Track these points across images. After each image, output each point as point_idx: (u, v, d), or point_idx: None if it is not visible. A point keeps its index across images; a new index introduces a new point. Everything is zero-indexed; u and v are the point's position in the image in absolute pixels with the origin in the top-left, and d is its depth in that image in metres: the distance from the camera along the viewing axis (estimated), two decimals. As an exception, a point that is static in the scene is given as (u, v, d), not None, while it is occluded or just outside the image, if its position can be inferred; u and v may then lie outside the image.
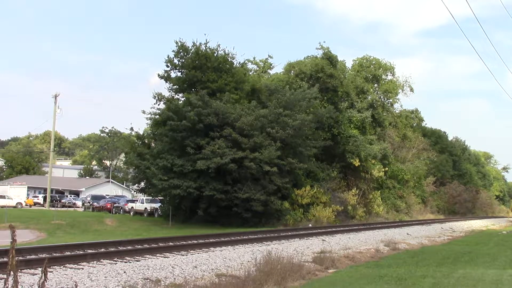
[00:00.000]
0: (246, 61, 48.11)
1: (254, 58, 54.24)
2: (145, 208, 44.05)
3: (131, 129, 41.77)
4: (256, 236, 22.45)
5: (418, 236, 28.04)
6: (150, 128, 41.81)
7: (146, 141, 41.04)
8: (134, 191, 55.45)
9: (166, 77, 39.51)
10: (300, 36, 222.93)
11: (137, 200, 47.91)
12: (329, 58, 47.55)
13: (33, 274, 11.09)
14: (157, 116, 37.69)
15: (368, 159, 45.89)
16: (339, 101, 46.19)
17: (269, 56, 54.77)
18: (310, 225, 34.78)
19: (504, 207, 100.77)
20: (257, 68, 53.30)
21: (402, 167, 60.49)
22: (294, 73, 45.85)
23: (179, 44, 38.48)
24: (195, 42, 38.75)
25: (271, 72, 52.70)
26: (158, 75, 39.58)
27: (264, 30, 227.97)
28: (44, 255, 13.91)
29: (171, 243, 18.66)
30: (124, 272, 11.63)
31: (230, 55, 40.30)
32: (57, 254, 14.76)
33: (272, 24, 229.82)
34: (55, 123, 55.19)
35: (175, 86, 39.37)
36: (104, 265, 13.05)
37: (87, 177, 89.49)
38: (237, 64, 41.96)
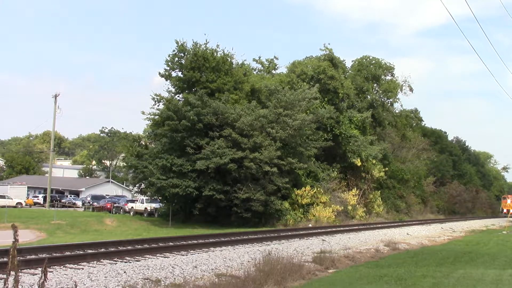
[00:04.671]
0: (245, 60, 48.25)
1: (259, 57, 54.20)
2: (145, 208, 44.02)
3: (125, 133, 41.95)
4: (256, 236, 22.47)
5: (418, 236, 28.05)
6: (149, 128, 41.85)
7: (143, 142, 41.09)
8: (135, 193, 55.45)
9: (167, 76, 39.61)
10: (300, 36, 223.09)
11: (137, 200, 47.86)
12: (331, 60, 47.59)
13: (33, 274, 11.10)
14: (157, 117, 37.72)
15: (369, 159, 45.93)
16: (340, 102, 46.23)
17: (275, 57, 54.76)
18: (310, 225, 34.79)
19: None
20: (262, 68, 53.25)
21: (402, 167, 60.50)
22: (296, 73, 45.87)
23: (180, 44, 38.53)
24: (195, 42, 38.87)
25: (276, 72, 52.59)
26: (159, 73, 39.76)
27: (264, 30, 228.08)
28: (44, 255, 13.92)
29: (171, 243, 18.67)
30: (124, 272, 11.63)
31: (229, 55, 40.35)
32: (57, 254, 14.76)
33: (272, 24, 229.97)
34: (55, 123, 55.15)
35: (175, 87, 39.46)
36: (104, 265, 13.06)
37: (87, 177, 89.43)
38: (237, 64, 41.97)
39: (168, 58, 38.93)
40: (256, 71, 51.57)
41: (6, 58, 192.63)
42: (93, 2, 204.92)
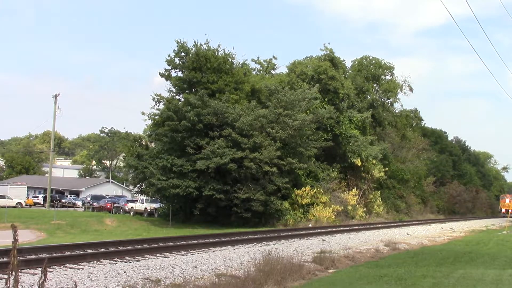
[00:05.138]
0: (249, 61, 48.29)
1: (258, 58, 54.17)
2: (145, 208, 44.01)
3: (127, 133, 41.99)
4: (256, 236, 22.47)
5: (418, 236, 28.05)
6: (149, 128, 41.82)
7: (144, 143, 41.08)
8: (135, 193, 55.53)
9: (167, 76, 39.55)
10: (300, 36, 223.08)
11: (137, 200, 47.85)
12: (331, 60, 47.56)
13: (33, 274, 11.11)
14: (157, 117, 37.68)
15: (369, 159, 45.94)
16: (340, 102, 46.23)
17: (274, 57, 54.72)
18: (310, 225, 34.79)
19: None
20: (261, 68, 53.21)
21: (402, 167, 60.48)
22: (296, 73, 45.85)
23: (180, 44, 38.46)
24: (196, 42, 38.79)
25: (275, 72, 52.56)
26: (160, 73, 39.66)
27: (264, 30, 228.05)
28: (44, 255, 13.92)
29: (171, 243, 18.67)
30: (124, 272, 11.63)
31: (230, 55, 40.29)
32: (57, 254, 14.76)
33: (272, 24, 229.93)
34: (55, 123, 55.14)
35: (175, 87, 39.40)
36: (104, 265, 13.06)
37: (87, 177, 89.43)
38: (237, 65, 41.93)
39: (169, 58, 38.88)
40: (255, 71, 51.57)
41: (6, 58, 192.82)
42: (93, 2, 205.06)
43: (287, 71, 49.15)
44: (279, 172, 34.71)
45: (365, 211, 45.64)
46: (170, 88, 39.95)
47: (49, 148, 62.86)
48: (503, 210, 68.89)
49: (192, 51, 38.34)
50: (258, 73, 51.31)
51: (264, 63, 53.49)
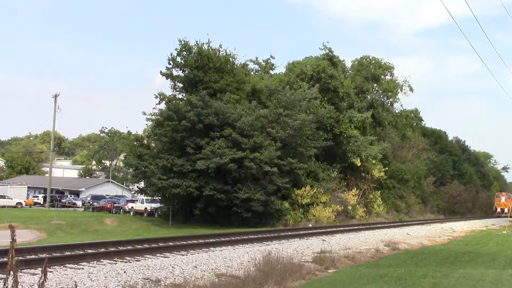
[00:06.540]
0: (247, 61, 48.27)
1: (256, 58, 54.22)
2: (145, 208, 44.01)
3: (129, 132, 42.00)
4: (256, 236, 22.46)
5: (418, 236, 28.05)
6: (150, 128, 41.84)
7: (145, 142, 41.07)
8: (135, 192, 55.47)
9: (168, 75, 39.53)
10: (299, 36, 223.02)
11: (137, 200, 47.86)
12: (331, 59, 47.54)
13: (33, 274, 11.10)
14: (158, 117, 37.67)
15: (368, 159, 45.94)
16: (340, 102, 46.21)
17: (271, 56, 54.71)
18: (310, 225, 34.79)
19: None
20: (259, 68, 53.24)
21: (402, 167, 60.47)
22: (295, 73, 45.85)
23: (183, 42, 38.41)
24: (198, 42, 38.76)
25: (273, 72, 52.59)
26: (161, 72, 39.55)
27: (264, 30, 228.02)
28: (44, 255, 13.92)
29: (171, 243, 18.67)
30: (124, 272, 11.63)
31: (231, 55, 40.30)
32: (57, 254, 14.77)
33: (271, 24, 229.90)
34: (55, 123, 55.17)
35: (179, 84, 39.37)
36: (104, 265, 13.06)
37: (87, 177, 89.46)
38: (238, 65, 41.96)
39: (171, 56, 38.80)
40: (254, 71, 51.61)
41: (6, 58, 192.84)
42: (94, 1, 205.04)
43: (285, 70, 49.16)
44: (279, 172, 34.70)
45: (365, 211, 45.62)
46: (172, 85, 39.91)
47: (49, 148, 62.88)
48: (498, 210, 66.72)
49: (194, 50, 38.31)
50: (256, 73, 51.35)
51: (262, 63, 53.54)
